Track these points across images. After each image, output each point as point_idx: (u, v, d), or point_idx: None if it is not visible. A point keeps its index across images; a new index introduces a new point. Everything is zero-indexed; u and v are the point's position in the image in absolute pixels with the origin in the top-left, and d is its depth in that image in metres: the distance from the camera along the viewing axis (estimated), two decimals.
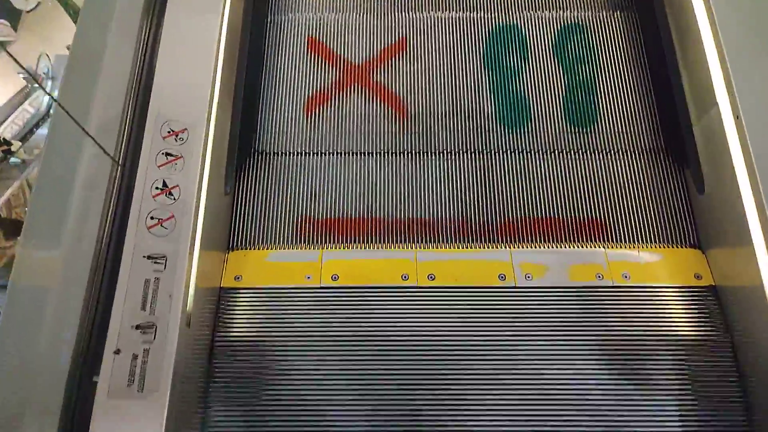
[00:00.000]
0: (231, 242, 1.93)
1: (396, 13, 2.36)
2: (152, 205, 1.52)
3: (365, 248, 1.89)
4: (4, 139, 8.20)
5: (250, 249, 1.91)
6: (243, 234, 1.94)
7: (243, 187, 2.02)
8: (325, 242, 1.94)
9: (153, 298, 1.44)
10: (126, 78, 1.63)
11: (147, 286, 1.44)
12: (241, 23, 2.08)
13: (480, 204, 1.99)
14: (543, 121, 2.12)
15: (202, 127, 1.64)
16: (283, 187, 2.04)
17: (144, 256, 1.46)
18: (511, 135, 2.10)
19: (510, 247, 1.87)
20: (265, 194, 2.02)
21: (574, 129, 2.10)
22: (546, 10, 2.34)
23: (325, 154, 2.10)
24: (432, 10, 2.38)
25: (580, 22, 2.29)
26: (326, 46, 2.29)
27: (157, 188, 1.55)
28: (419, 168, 2.06)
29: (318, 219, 1.98)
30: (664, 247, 1.87)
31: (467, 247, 1.89)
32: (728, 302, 1.74)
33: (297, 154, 2.10)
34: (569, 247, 1.88)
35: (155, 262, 1.46)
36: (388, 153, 2.09)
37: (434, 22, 2.33)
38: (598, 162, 2.04)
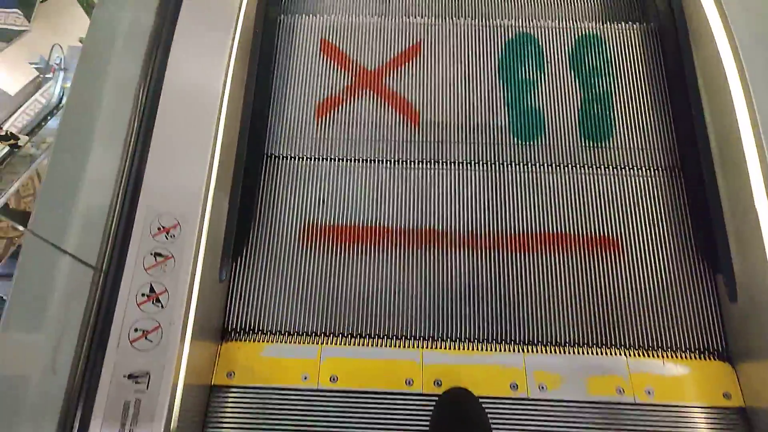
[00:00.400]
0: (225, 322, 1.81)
1: (410, 18, 2.30)
2: (137, 314, 1.39)
3: (368, 344, 1.76)
4: (11, 133, 8.13)
5: (244, 340, 1.78)
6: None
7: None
8: (331, 249, 1.90)
9: (133, 422, 1.31)
10: (115, 167, 1.49)
11: (127, 410, 1.31)
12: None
13: (490, 215, 1.94)
14: (557, 135, 2.07)
15: (196, 219, 1.51)
16: (291, 191, 2.00)
17: (125, 376, 1.33)
18: (524, 148, 2.05)
19: (524, 351, 1.73)
20: (274, 199, 1.99)
21: (589, 143, 2.04)
22: (563, 20, 2.28)
23: (334, 160, 2.04)
24: (447, 16, 2.32)
25: (598, 34, 2.23)
26: (339, 49, 2.23)
27: (143, 295, 1.42)
28: (429, 177, 2.01)
29: (325, 225, 1.93)
30: (690, 358, 1.73)
31: (478, 347, 1.76)
32: (760, 426, 1.59)
33: (306, 159, 2.05)
34: (587, 350, 1.74)
35: (137, 382, 1.33)
36: (398, 161, 2.04)
37: (449, 29, 2.26)
38: (612, 178, 1.99)
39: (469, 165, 2.02)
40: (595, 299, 1.82)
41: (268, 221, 1.95)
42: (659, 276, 1.85)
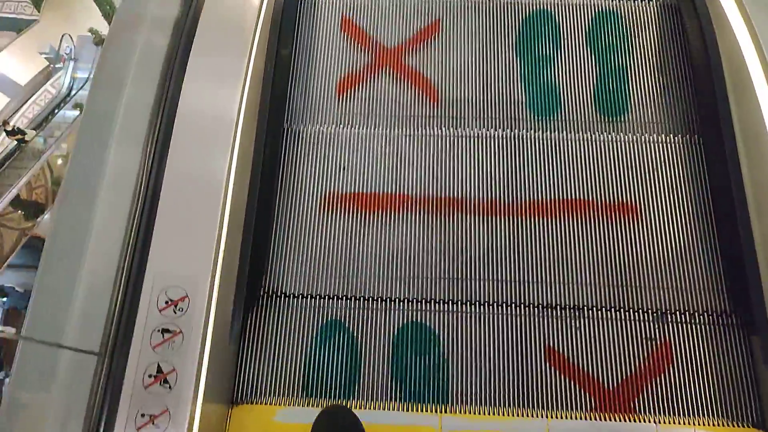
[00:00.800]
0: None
1: None
2: (143, 398, 1.32)
3: (385, 408, 1.69)
4: (18, 128, 8.04)
5: (256, 402, 1.70)
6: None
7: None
8: (352, 216, 1.93)
9: None
10: (120, 238, 1.41)
11: None
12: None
13: (508, 183, 1.97)
14: (573, 110, 2.10)
15: (206, 290, 1.43)
16: (313, 163, 2.03)
17: None
18: (541, 122, 2.08)
19: (548, 417, 1.66)
20: (295, 172, 2.01)
21: (605, 118, 2.08)
22: None
23: (355, 134, 2.07)
24: None
25: (616, 10, 2.25)
26: (359, 27, 2.26)
27: (150, 376, 1.34)
28: (448, 148, 2.04)
29: (345, 195, 1.96)
30: (721, 425, 1.65)
31: (499, 411, 1.68)
32: None
33: (328, 129, 2.08)
34: (617, 416, 1.67)
35: None
36: (417, 136, 2.06)
37: (467, 6, 2.28)
38: (627, 147, 2.00)
39: (486, 135, 2.04)
40: (613, 263, 1.84)
41: (291, 190, 1.98)
42: (676, 240, 1.86)
